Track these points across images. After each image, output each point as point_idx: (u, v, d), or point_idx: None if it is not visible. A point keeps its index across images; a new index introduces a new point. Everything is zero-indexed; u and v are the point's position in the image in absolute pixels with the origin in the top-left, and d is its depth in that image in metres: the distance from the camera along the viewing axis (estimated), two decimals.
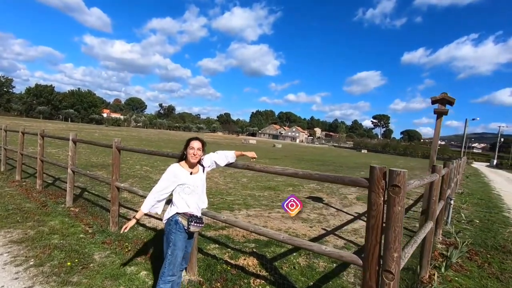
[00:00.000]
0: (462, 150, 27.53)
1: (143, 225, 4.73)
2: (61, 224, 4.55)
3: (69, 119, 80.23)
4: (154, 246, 3.85)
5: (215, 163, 2.73)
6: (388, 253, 1.89)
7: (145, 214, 5.33)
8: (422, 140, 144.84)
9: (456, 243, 4.75)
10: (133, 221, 2.58)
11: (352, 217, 6.47)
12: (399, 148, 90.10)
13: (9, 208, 5.11)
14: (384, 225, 1.92)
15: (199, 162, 2.60)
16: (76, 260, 3.27)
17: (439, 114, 4.85)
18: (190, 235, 2.53)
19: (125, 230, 2.49)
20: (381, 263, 1.96)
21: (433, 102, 4.88)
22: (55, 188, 7.01)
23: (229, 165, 2.76)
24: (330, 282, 3.22)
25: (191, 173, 2.50)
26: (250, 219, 5.53)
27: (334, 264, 3.64)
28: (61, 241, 3.88)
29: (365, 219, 5.95)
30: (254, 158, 2.80)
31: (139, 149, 4.10)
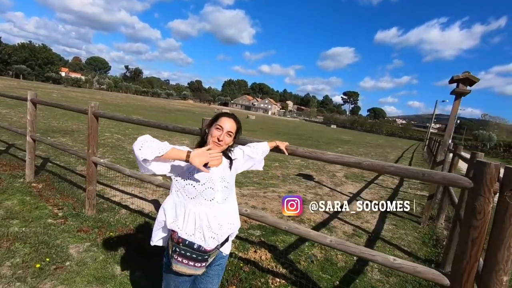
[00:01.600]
0: (429, 130, 28.90)
1: (126, 207, 4.02)
2: (21, 204, 3.70)
3: (21, 76, 72.15)
4: (145, 235, 3.20)
5: (249, 158, 1.79)
6: (495, 275, 1.45)
7: (127, 193, 4.49)
8: (386, 118, 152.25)
9: None
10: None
11: (347, 197, 6.22)
12: (366, 125, 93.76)
13: None
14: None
15: (226, 152, 1.67)
16: (47, 259, 2.54)
17: (458, 95, 4.50)
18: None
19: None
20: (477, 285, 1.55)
21: (453, 81, 4.50)
22: (9, 157, 5.91)
23: None
24: (357, 281, 2.85)
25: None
26: (246, 200, 5.02)
27: (354, 258, 3.28)
28: (23, 229, 3.09)
29: (362, 200, 5.49)
30: (286, 151, 2.03)
31: (125, 117, 3.28)
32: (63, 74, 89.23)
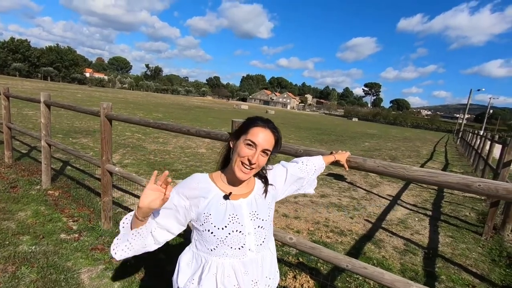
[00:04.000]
0: (463, 122, 27.06)
1: None
2: (35, 216, 3.40)
3: (49, 78, 75.30)
4: (165, 255, 2.79)
5: (295, 178, 1.30)
6: None
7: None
8: (410, 110, 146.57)
9: None
10: None
11: (387, 201, 5.58)
12: (390, 117, 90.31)
13: None
14: None
15: (261, 173, 1.20)
16: None
17: None
18: None
19: None
20: None
21: None
22: (30, 161, 5.73)
23: None
24: None
25: (227, 197, 1.06)
26: (276, 207, 4.49)
27: None
28: (33, 247, 2.76)
29: (404, 205, 4.67)
30: (346, 166, 1.48)
31: (141, 120, 2.84)
32: (87, 74, 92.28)
